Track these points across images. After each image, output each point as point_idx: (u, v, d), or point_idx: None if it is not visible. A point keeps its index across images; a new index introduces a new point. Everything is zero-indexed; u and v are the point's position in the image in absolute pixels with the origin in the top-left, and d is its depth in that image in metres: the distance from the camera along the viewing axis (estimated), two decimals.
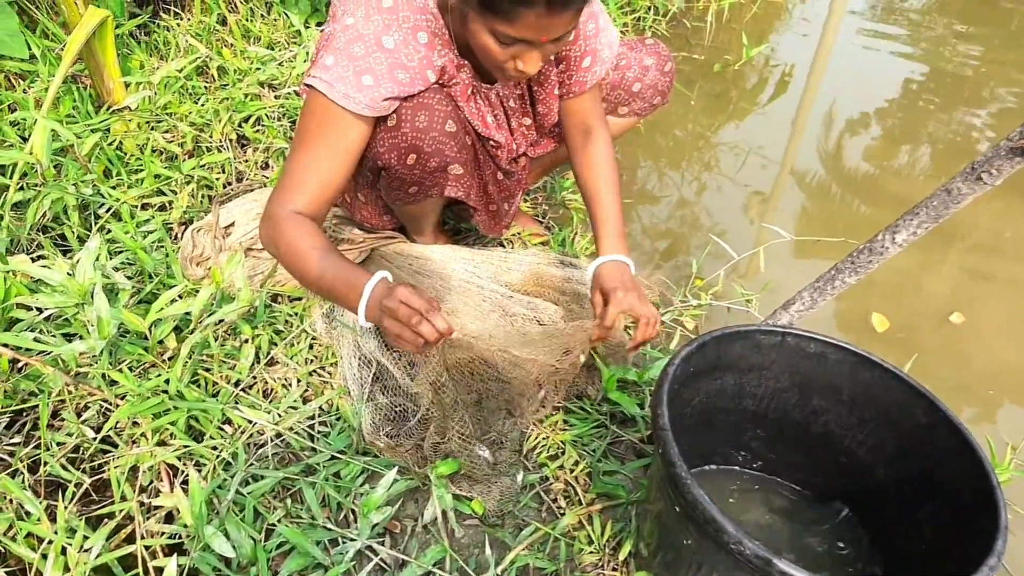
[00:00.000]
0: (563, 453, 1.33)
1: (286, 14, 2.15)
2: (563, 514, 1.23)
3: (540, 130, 1.47)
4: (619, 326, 1.31)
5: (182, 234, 1.62)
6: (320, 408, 1.35)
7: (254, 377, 1.37)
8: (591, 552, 1.17)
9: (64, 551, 1.07)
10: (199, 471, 1.24)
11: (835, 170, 2.55)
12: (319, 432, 1.32)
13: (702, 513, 0.81)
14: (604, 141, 1.43)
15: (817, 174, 2.52)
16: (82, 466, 1.24)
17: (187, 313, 1.36)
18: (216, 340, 1.37)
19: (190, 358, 1.32)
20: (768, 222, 2.17)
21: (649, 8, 3.05)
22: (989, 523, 0.86)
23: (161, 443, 1.26)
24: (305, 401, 1.37)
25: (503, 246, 1.79)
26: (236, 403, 1.32)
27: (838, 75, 3.16)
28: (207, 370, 1.34)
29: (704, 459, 1.23)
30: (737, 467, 1.24)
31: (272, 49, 2.10)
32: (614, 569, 1.14)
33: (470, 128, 1.32)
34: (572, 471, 1.31)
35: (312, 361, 1.42)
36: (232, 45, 2.08)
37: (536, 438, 1.36)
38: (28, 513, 1.13)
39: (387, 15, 1.12)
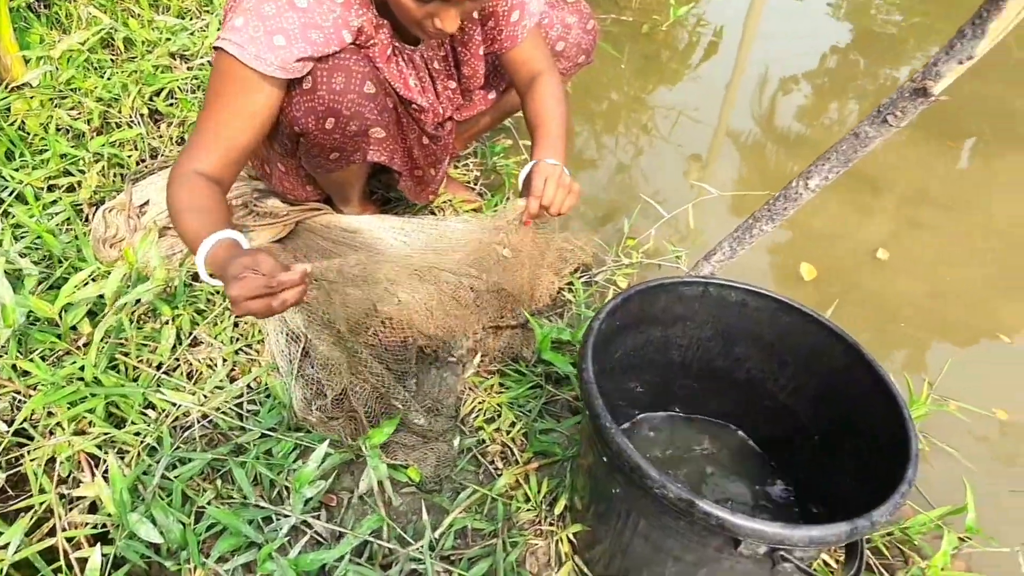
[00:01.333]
0: (499, 416, 1.33)
1: None
2: (500, 475, 1.23)
3: (466, 93, 1.45)
4: (548, 192, 1.24)
5: (93, 215, 1.54)
6: (248, 386, 1.32)
7: (177, 359, 1.33)
8: (528, 510, 1.18)
9: None
10: (122, 458, 1.20)
11: (768, 128, 2.59)
12: (248, 411, 1.29)
13: (627, 461, 0.82)
14: (552, 80, 1.40)
15: (751, 133, 2.56)
16: None
17: (101, 296, 1.30)
18: (134, 323, 1.32)
19: (105, 343, 1.27)
20: (702, 181, 2.20)
21: None
22: (902, 454, 0.90)
23: (80, 432, 1.22)
24: (232, 380, 1.33)
25: (434, 214, 1.76)
26: (159, 386, 1.27)
27: (769, 35, 3.20)
28: (126, 354, 1.29)
29: (637, 409, 1.25)
30: (670, 413, 1.26)
31: (183, 18, 2.01)
32: (551, 524, 1.16)
33: (391, 90, 1.28)
34: (509, 432, 1.31)
35: (238, 339, 1.38)
36: (139, 15, 1.98)
37: (472, 402, 1.36)
38: None
39: None
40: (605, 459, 0.89)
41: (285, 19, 1.08)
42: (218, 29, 1.95)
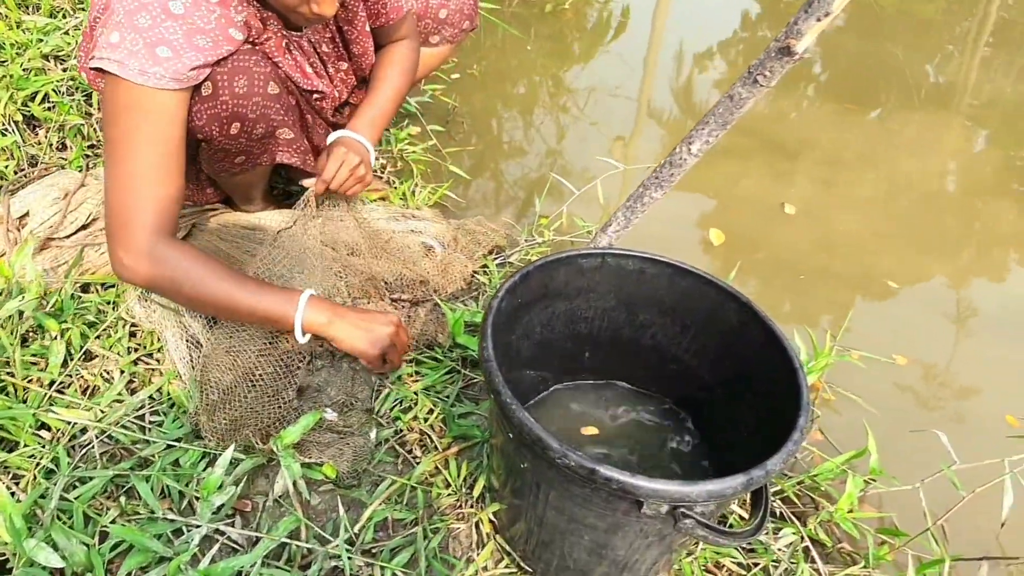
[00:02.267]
0: (416, 404, 1.32)
1: None
2: (419, 463, 1.22)
3: (359, 72, 1.41)
4: (340, 177, 1.30)
5: None
6: (150, 397, 1.26)
7: (70, 375, 1.26)
8: (449, 495, 1.17)
9: None
10: (17, 483, 1.13)
11: (685, 102, 2.64)
12: (151, 422, 1.24)
13: (528, 435, 0.82)
14: (408, 47, 1.40)
15: (667, 107, 2.61)
16: None
17: None
18: (18, 341, 1.25)
19: None
20: (625, 157, 2.23)
21: None
22: (796, 404, 0.93)
23: None
24: (132, 392, 1.27)
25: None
26: (51, 405, 1.21)
27: (680, 10, 3.25)
28: (10, 375, 1.22)
29: (551, 383, 1.26)
30: (583, 383, 1.27)
31: (55, 17, 1.89)
32: (471, 507, 1.15)
33: (292, 86, 1.24)
34: (427, 420, 1.30)
35: (135, 350, 1.32)
36: (6, 16, 1.85)
37: (388, 393, 1.34)
38: None
39: None
40: (511, 435, 0.89)
41: (165, 29, 1.00)
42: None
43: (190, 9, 1.03)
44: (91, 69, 1.04)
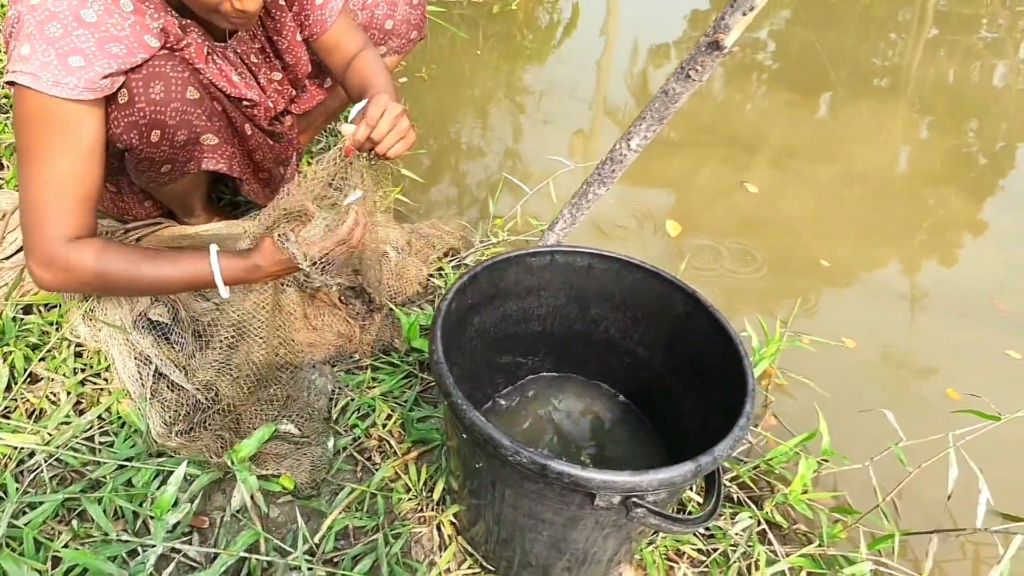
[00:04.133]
0: (374, 411, 1.32)
1: None
2: (379, 469, 1.22)
3: (296, 83, 1.40)
4: (382, 127, 1.11)
5: None
6: (99, 417, 1.24)
7: (14, 399, 1.23)
8: (409, 499, 1.17)
9: None
10: None
11: (643, 95, 2.66)
12: (101, 443, 1.21)
13: (480, 433, 0.83)
14: (371, 55, 1.34)
15: (622, 104, 2.63)
16: None
17: None
18: None
19: None
20: (581, 154, 2.25)
21: None
22: (742, 390, 0.95)
23: None
24: (80, 413, 1.25)
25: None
26: None
27: (631, 7, 3.28)
28: None
29: (506, 382, 1.26)
30: (539, 379, 1.28)
31: None
32: (432, 510, 1.16)
33: (216, 92, 1.22)
34: (385, 425, 1.30)
35: (81, 371, 1.29)
36: None
37: (345, 401, 1.33)
38: None
39: None
40: (465, 436, 0.90)
41: (77, 38, 0.99)
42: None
43: (103, 17, 1.01)
44: (6, 83, 1.02)
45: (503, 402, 1.26)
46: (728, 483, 1.27)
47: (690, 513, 1.21)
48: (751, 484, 1.29)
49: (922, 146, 2.48)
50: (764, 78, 2.82)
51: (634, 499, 0.82)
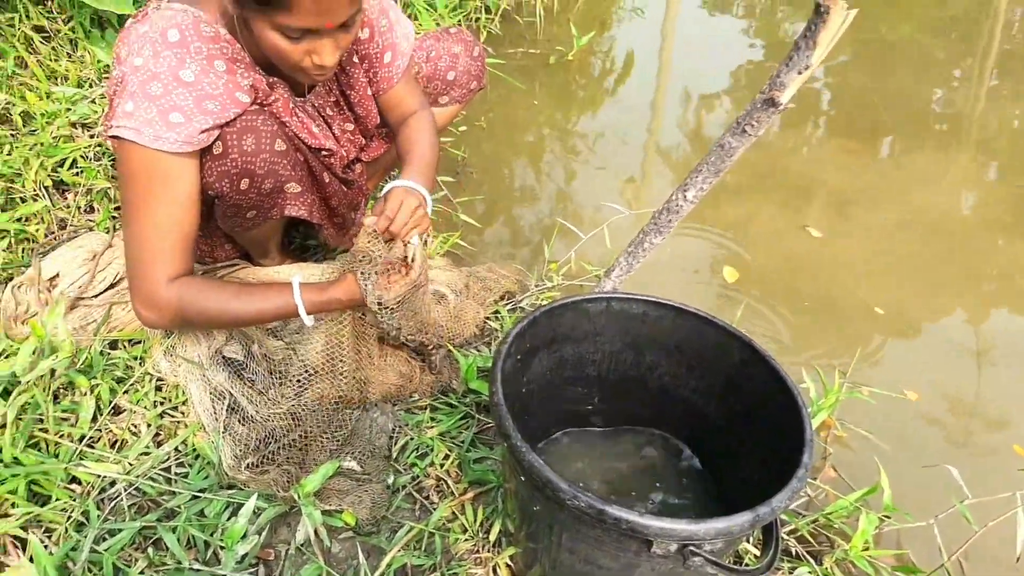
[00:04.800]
0: (432, 450, 1.35)
1: (93, 49, 2.05)
2: (436, 509, 1.25)
3: (365, 133, 1.48)
4: (400, 218, 1.22)
5: (2, 293, 1.51)
6: (176, 449, 1.30)
7: (99, 430, 1.31)
8: (466, 540, 1.20)
9: None
10: (50, 536, 1.17)
11: (696, 143, 2.69)
12: (177, 474, 1.27)
13: (538, 476, 0.85)
14: (425, 116, 1.45)
15: (676, 149, 2.67)
16: None
17: (14, 374, 1.28)
18: (50, 397, 1.30)
19: (21, 420, 1.24)
20: (633, 200, 2.29)
21: (479, 7, 3.12)
22: (800, 441, 0.96)
23: (3, 515, 1.18)
24: (158, 445, 1.32)
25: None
26: (81, 459, 1.25)
27: (682, 54, 3.34)
28: (44, 431, 1.27)
29: (562, 425, 1.29)
30: (595, 427, 1.30)
31: (81, 87, 1.99)
32: (488, 551, 1.18)
33: (300, 143, 1.31)
34: (443, 465, 1.33)
35: (161, 404, 1.37)
36: (36, 88, 1.96)
37: (404, 440, 1.37)
38: None
39: (177, 49, 1.08)
40: (523, 479, 0.92)
41: (176, 96, 1.08)
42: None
43: (199, 77, 1.10)
44: (111, 137, 1.12)
45: (557, 445, 1.28)
46: (786, 536, 1.26)
47: (747, 565, 1.20)
48: (810, 538, 1.27)
49: (986, 192, 2.43)
50: (820, 123, 2.82)
51: (691, 548, 0.82)
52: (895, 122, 2.77)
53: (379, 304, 1.21)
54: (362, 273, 1.21)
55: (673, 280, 1.98)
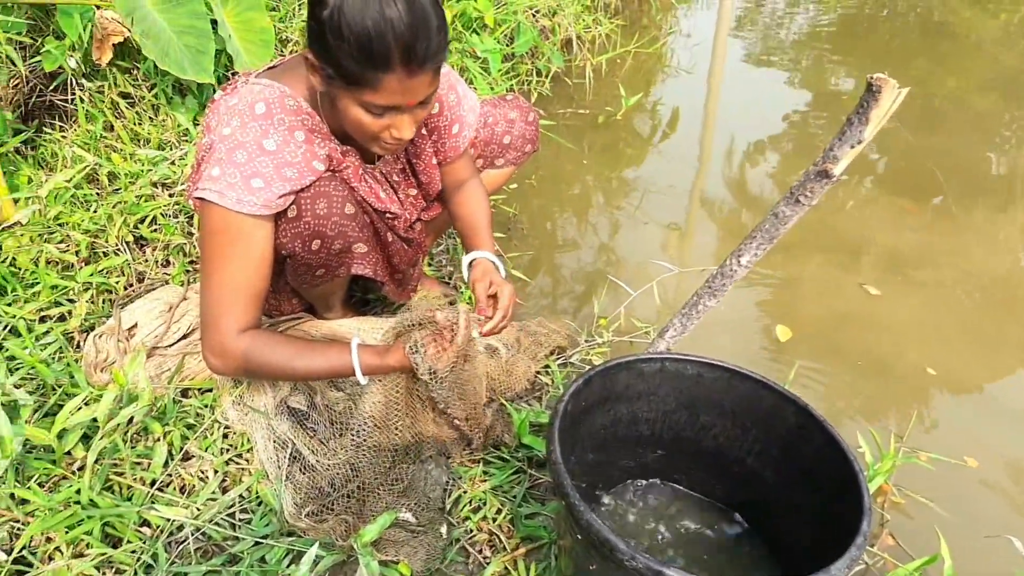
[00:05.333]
0: (485, 504, 1.38)
1: (174, 114, 2.20)
2: (489, 563, 1.27)
3: (427, 198, 1.56)
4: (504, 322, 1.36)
5: (84, 342, 1.61)
6: (240, 496, 1.35)
7: (169, 475, 1.37)
8: None
9: None
10: None
11: (741, 198, 2.73)
12: (241, 520, 1.32)
13: (596, 536, 0.87)
14: (476, 185, 1.57)
15: (721, 205, 2.70)
16: None
17: (94, 420, 1.35)
18: (127, 443, 1.37)
19: (99, 464, 1.32)
20: (681, 255, 2.32)
21: (531, 71, 3.24)
22: (858, 508, 0.96)
23: (78, 555, 1.24)
24: (224, 491, 1.37)
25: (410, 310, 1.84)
26: (152, 503, 1.31)
27: (728, 112, 3.40)
28: (119, 474, 1.34)
29: (609, 485, 1.30)
30: (647, 485, 1.31)
31: (163, 149, 2.14)
32: None
33: (367, 206, 1.39)
34: (495, 520, 1.35)
35: (227, 451, 1.43)
36: (121, 150, 2.10)
37: (458, 493, 1.40)
38: None
39: (263, 121, 1.18)
40: (579, 536, 0.94)
41: (258, 163, 1.17)
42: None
43: (280, 146, 1.20)
44: (195, 198, 1.21)
45: (609, 504, 1.29)
46: None
47: None
48: None
49: None
50: (871, 181, 2.82)
51: None
52: (947, 180, 2.76)
53: (431, 374, 1.27)
54: (411, 347, 1.27)
55: (725, 338, 1.99)
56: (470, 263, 1.46)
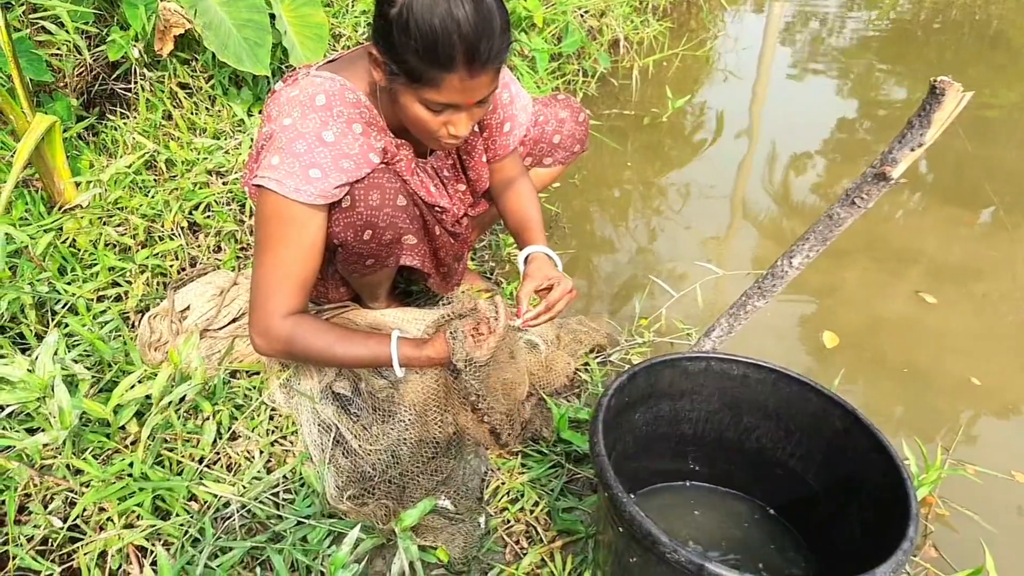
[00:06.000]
0: (523, 496, 1.39)
1: (230, 105, 2.26)
2: (525, 554, 1.28)
3: (475, 194, 1.58)
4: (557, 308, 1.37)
5: (139, 322, 1.67)
6: (284, 476, 1.39)
7: (217, 453, 1.41)
8: None
9: None
10: (168, 549, 1.26)
11: (784, 204, 2.70)
12: (284, 500, 1.36)
13: (639, 528, 0.88)
14: (525, 183, 1.58)
15: (764, 210, 2.68)
16: (51, 556, 1.26)
17: (148, 397, 1.40)
18: (178, 420, 1.41)
19: (152, 440, 1.36)
20: (720, 258, 2.31)
21: (578, 71, 3.25)
22: (904, 513, 0.95)
23: (129, 526, 1.29)
24: (269, 471, 1.41)
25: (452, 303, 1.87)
26: (201, 479, 1.35)
27: (774, 116, 3.36)
28: (171, 450, 1.38)
29: (649, 482, 1.30)
30: (686, 485, 1.31)
31: (218, 139, 2.20)
32: None
33: (418, 199, 1.42)
34: (532, 512, 1.36)
35: (273, 432, 1.46)
36: (178, 138, 2.17)
37: (496, 484, 1.41)
38: None
39: (322, 112, 1.21)
40: (621, 529, 0.95)
41: (317, 154, 1.20)
42: (250, 147, 2.14)
43: (339, 138, 1.22)
44: (253, 185, 1.24)
45: (648, 500, 1.29)
46: None
47: None
48: None
49: None
50: (924, 191, 2.76)
51: None
52: (999, 192, 2.69)
53: (467, 362, 1.29)
54: (451, 333, 1.29)
55: (771, 342, 1.97)
56: (526, 258, 1.47)
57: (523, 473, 1.44)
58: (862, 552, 1.03)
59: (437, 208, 1.45)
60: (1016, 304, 2.12)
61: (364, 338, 1.32)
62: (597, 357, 1.80)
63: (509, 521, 1.35)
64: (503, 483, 1.41)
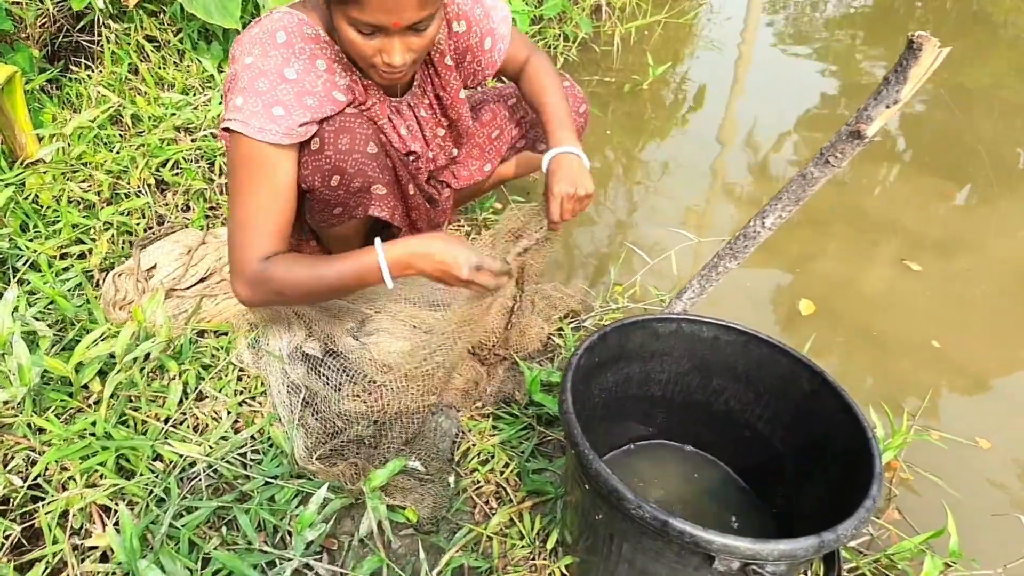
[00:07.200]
0: (493, 457, 1.39)
1: (199, 60, 2.19)
2: (495, 514, 1.28)
3: (457, 139, 1.53)
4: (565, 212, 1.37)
5: (103, 280, 1.63)
6: (252, 437, 1.37)
7: (183, 413, 1.39)
8: (522, 547, 1.22)
9: None
10: (132, 509, 1.25)
11: (763, 174, 2.69)
12: (252, 460, 1.34)
13: (604, 484, 0.87)
14: (540, 60, 1.52)
15: (744, 179, 2.67)
16: (12, 516, 1.23)
17: (112, 356, 1.37)
18: (143, 379, 1.39)
19: (115, 399, 1.34)
20: (700, 228, 2.30)
21: (559, 35, 3.19)
22: (868, 473, 0.95)
23: (91, 485, 1.27)
24: (236, 431, 1.39)
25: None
26: (166, 439, 1.33)
27: (755, 89, 3.34)
28: (135, 410, 1.35)
29: (617, 443, 1.30)
30: (653, 444, 1.31)
31: (186, 94, 2.14)
32: (544, 559, 1.20)
33: (391, 149, 1.38)
34: (503, 473, 1.36)
35: (241, 392, 1.44)
36: (146, 93, 2.11)
37: (467, 446, 1.41)
38: None
39: (283, 49, 1.18)
40: (588, 486, 0.95)
41: (280, 91, 1.18)
42: (219, 103, 2.08)
43: (302, 75, 1.20)
44: (223, 130, 1.21)
45: (617, 460, 1.30)
46: (847, 574, 1.24)
47: None
48: None
49: None
50: (898, 163, 2.77)
51: (754, 567, 0.83)
52: (975, 167, 2.71)
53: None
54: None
55: (747, 309, 1.97)
56: (550, 160, 1.39)
57: (494, 435, 1.43)
58: (825, 515, 1.04)
59: (411, 156, 1.42)
60: (987, 279, 2.14)
61: (344, 255, 1.24)
62: (571, 323, 1.79)
63: (479, 482, 1.35)
64: (474, 444, 1.41)
